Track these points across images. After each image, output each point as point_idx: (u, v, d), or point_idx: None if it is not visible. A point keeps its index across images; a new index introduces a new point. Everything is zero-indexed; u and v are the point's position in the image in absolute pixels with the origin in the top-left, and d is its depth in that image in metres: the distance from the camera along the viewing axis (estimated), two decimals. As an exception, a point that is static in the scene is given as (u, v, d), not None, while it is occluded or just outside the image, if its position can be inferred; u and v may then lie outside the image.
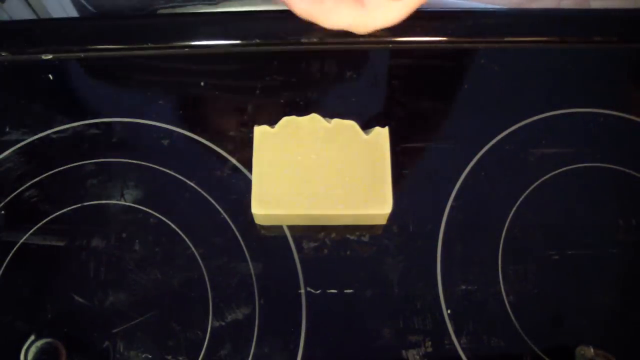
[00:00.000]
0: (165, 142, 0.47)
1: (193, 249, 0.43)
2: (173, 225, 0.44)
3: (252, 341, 0.41)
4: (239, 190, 0.45)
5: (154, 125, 0.47)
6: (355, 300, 0.42)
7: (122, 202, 0.45)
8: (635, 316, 0.42)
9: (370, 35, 0.47)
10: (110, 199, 0.45)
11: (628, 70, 0.50)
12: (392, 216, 0.43)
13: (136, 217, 0.44)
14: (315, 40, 0.50)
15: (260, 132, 0.44)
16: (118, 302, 0.42)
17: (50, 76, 0.49)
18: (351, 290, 0.43)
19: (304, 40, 0.49)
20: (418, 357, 0.41)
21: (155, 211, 0.44)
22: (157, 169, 0.46)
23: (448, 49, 0.50)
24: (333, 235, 0.44)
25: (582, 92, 0.49)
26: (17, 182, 0.45)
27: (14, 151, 0.46)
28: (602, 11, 0.53)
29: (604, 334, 0.42)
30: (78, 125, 0.47)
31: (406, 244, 0.44)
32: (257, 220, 0.44)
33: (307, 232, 0.44)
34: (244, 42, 0.50)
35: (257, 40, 0.50)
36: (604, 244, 0.44)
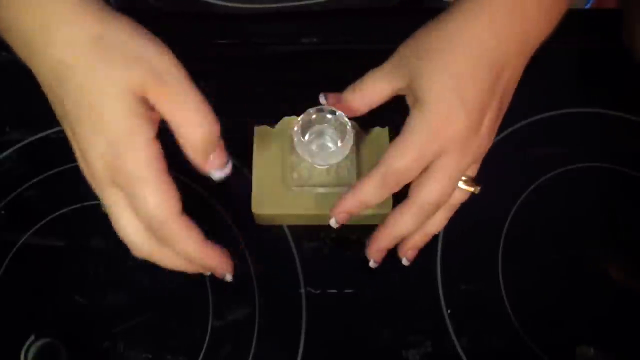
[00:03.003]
0: (165, 142, 0.46)
1: (193, 249, 0.43)
2: (173, 225, 0.44)
3: (252, 341, 0.41)
4: (239, 190, 0.45)
5: (154, 125, 0.47)
6: (355, 300, 0.42)
7: (122, 202, 0.45)
8: (635, 316, 0.42)
9: (369, 36, 0.47)
10: (110, 199, 0.45)
11: (628, 70, 0.50)
12: (392, 216, 0.42)
13: (136, 217, 0.44)
14: (315, 40, 0.50)
15: (260, 132, 0.44)
16: (118, 302, 0.42)
17: (50, 76, 0.49)
18: (351, 290, 0.43)
19: (304, 40, 0.49)
20: (418, 357, 0.41)
21: (155, 211, 0.44)
22: (157, 169, 0.46)
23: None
24: (333, 235, 0.44)
25: (582, 92, 0.49)
26: (17, 182, 0.45)
27: (14, 151, 0.46)
28: (602, 11, 0.53)
29: (604, 334, 0.42)
30: (78, 125, 0.47)
31: (406, 244, 0.44)
32: (257, 220, 0.44)
33: (307, 232, 0.44)
34: (244, 42, 0.50)
35: (257, 41, 0.50)
36: (604, 244, 0.44)
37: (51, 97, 0.33)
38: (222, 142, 0.34)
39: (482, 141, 0.37)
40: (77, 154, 0.33)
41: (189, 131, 0.32)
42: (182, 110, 0.32)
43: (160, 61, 0.31)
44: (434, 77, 0.35)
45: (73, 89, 0.31)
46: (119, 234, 0.34)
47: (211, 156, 0.34)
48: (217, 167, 0.34)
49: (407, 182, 0.37)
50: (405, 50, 0.37)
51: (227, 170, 0.35)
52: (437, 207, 0.38)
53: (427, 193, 0.37)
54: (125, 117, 0.30)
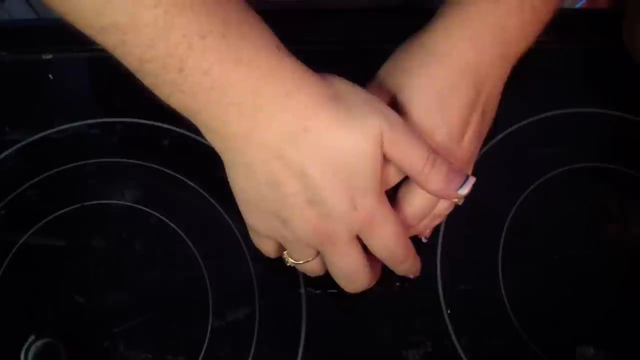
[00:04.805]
0: (165, 142, 0.47)
1: (193, 249, 0.43)
2: (173, 225, 0.44)
3: (252, 341, 0.41)
4: (239, 190, 0.44)
5: (154, 125, 0.47)
6: (355, 300, 0.42)
7: (122, 202, 0.45)
8: (635, 316, 0.42)
9: (369, 35, 0.47)
10: (110, 199, 0.45)
11: (628, 70, 0.50)
12: (392, 216, 0.42)
13: (136, 217, 0.44)
14: (316, 39, 0.49)
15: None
16: (118, 302, 0.42)
17: (50, 76, 0.49)
18: (351, 290, 0.43)
19: (305, 39, 0.49)
20: (418, 357, 0.41)
21: (155, 211, 0.44)
22: (157, 169, 0.46)
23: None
24: (333, 235, 0.44)
25: (582, 92, 0.49)
26: (17, 182, 0.45)
27: (14, 151, 0.46)
28: (602, 11, 0.53)
29: (604, 334, 0.42)
30: (78, 125, 0.47)
31: (406, 244, 0.44)
32: (257, 220, 0.44)
33: (307, 232, 0.44)
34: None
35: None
36: (604, 244, 0.44)
37: (263, 167, 0.33)
38: (446, 164, 0.35)
39: (465, 153, 0.37)
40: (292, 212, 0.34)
41: (422, 177, 0.34)
42: (410, 155, 0.34)
43: (387, 108, 0.34)
44: (416, 94, 0.36)
45: (314, 148, 0.32)
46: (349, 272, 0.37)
47: (450, 182, 0.35)
48: (460, 186, 0.35)
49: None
50: (387, 68, 0.38)
51: (471, 181, 0.36)
52: (421, 218, 0.39)
53: (409, 206, 0.38)
54: (378, 169, 0.33)
